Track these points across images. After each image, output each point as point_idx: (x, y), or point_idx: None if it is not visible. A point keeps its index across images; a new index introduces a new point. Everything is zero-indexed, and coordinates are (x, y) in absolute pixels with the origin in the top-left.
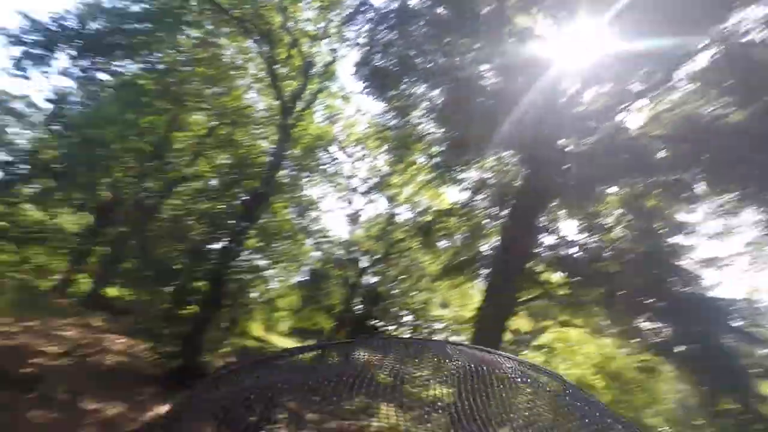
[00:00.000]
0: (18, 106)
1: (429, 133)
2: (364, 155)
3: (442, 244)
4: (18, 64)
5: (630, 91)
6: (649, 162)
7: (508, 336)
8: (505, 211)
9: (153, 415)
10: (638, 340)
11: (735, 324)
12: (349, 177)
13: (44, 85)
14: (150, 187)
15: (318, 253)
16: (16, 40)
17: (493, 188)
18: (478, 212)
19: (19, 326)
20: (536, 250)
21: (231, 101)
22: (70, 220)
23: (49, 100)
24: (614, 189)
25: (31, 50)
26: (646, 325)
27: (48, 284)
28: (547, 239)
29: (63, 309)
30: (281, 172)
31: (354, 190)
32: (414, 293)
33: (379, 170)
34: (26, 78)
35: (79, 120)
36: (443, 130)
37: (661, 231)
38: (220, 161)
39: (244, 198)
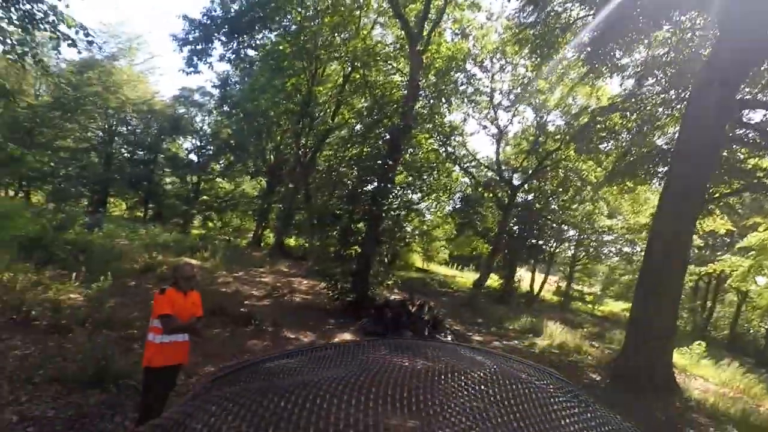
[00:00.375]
0: (197, 97)
1: (577, 19)
2: (503, 65)
3: (605, 146)
4: (189, 61)
5: None
6: None
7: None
8: (686, 93)
9: (337, 341)
10: None
11: None
12: (491, 92)
13: (210, 74)
14: (305, 143)
15: (467, 179)
16: (183, 42)
17: (668, 67)
18: (648, 101)
19: (231, 276)
20: (735, 132)
21: (360, 43)
22: (250, 186)
23: (215, 86)
24: None
25: (194, 47)
26: None
27: (244, 241)
28: (754, 116)
29: (257, 260)
30: (419, 103)
31: (497, 105)
32: (575, 206)
33: (523, 78)
34: (197, 72)
35: (239, 97)
36: (594, 9)
37: None
38: (360, 105)
39: (386, 137)
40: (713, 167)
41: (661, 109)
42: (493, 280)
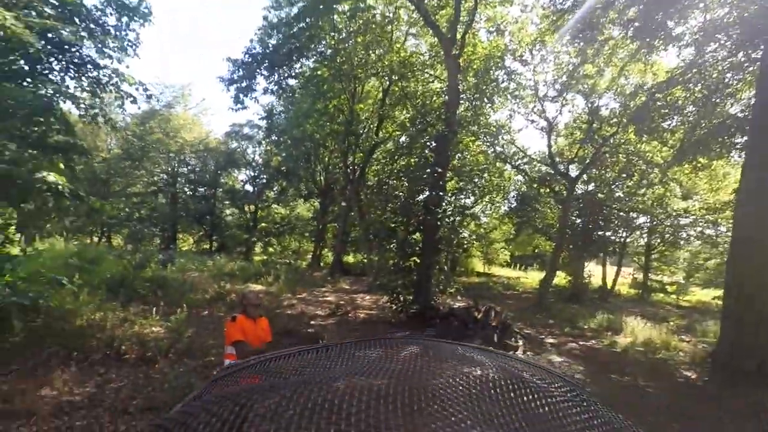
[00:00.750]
0: (246, 131)
1: None
2: (543, 56)
3: (668, 124)
4: (236, 99)
5: None
6: None
7: None
8: (758, 52)
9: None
10: None
11: None
12: (534, 85)
13: (256, 107)
14: (352, 161)
15: (521, 176)
16: (229, 82)
17: (731, 28)
18: (713, 68)
19: (295, 298)
20: None
21: (395, 56)
22: (304, 208)
23: (262, 118)
24: None
25: (240, 84)
26: None
27: (304, 263)
28: None
29: (319, 280)
30: (461, 107)
31: (543, 97)
32: (643, 191)
33: (567, 65)
34: (244, 107)
35: (285, 125)
36: None
37: None
38: (402, 117)
39: (432, 145)
40: None
41: (729, 75)
42: (560, 278)
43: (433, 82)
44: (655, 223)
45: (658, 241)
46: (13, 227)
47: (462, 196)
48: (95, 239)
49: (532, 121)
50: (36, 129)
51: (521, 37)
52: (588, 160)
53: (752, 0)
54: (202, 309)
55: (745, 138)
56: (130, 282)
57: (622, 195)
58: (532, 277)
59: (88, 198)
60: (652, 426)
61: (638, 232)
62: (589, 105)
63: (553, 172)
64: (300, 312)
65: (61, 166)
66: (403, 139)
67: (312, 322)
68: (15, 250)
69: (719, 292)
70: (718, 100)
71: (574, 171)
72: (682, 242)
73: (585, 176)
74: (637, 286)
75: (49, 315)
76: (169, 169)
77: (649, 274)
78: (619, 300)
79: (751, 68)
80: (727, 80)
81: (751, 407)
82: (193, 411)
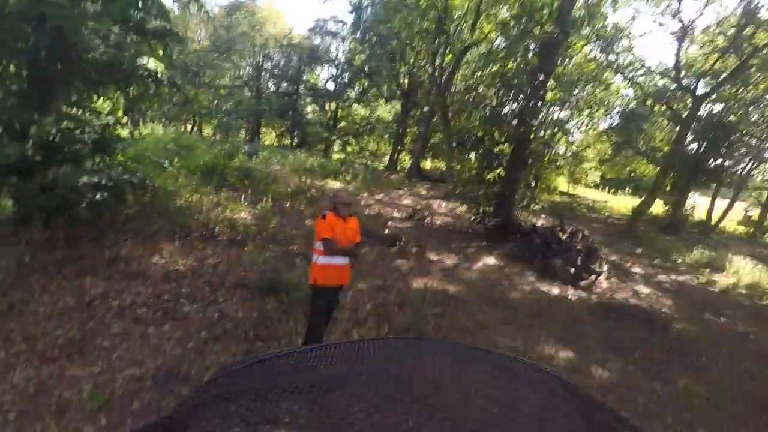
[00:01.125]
0: (331, 26)
1: None
2: None
3: None
4: None
5: None
6: None
7: None
8: None
9: (481, 265)
10: None
11: None
12: None
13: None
14: (441, 63)
15: (631, 90)
16: None
17: None
18: None
19: (372, 199)
20: None
21: None
22: (385, 110)
23: (349, 11)
24: None
25: None
26: None
27: (381, 165)
28: None
29: (395, 182)
30: (577, 4)
31: None
32: None
33: None
34: None
35: (372, 20)
36: None
37: None
38: (503, 15)
39: (536, 48)
40: None
41: None
42: (656, 206)
43: None
44: None
45: None
46: (121, 111)
47: (559, 109)
48: (188, 128)
49: (661, 24)
50: (135, 13)
51: None
52: (725, 75)
53: None
54: (284, 201)
55: None
56: (221, 170)
57: (759, 119)
58: (623, 203)
59: (184, 86)
60: (749, 372)
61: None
62: (745, 4)
63: (675, 86)
64: (377, 213)
65: (160, 52)
66: (499, 40)
67: (389, 223)
68: (124, 133)
69: None
70: None
71: (702, 88)
72: None
73: (715, 95)
74: (750, 224)
75: (154, 194)
76: (254, 63)
77: (763, 211)
78: (725, 237)
79: None
80: None
81: None
82: (192, 410)
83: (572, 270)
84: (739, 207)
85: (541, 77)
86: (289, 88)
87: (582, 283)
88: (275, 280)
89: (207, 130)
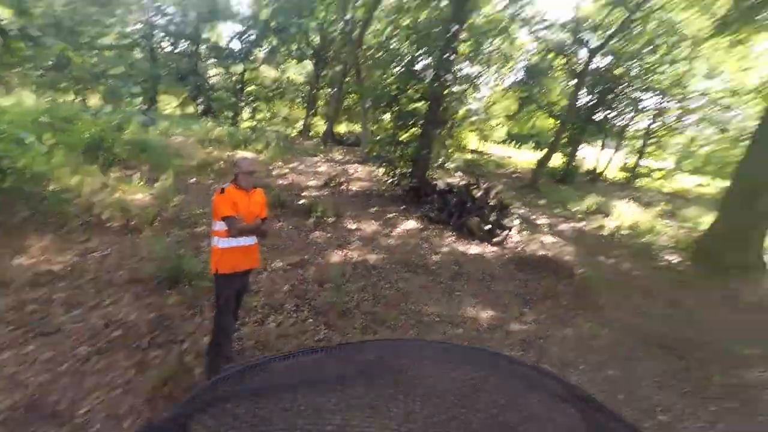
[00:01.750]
0: None
1: None
2: None
3: None
4: None
5: None
6: None
7: None
8: None
9: (401, 230)
10: None
11: None
12: None
13: None
14: (352, 17)
15: (534, 44)
16: None
17: None
18: None
19: (287, 167)
20: None
21: None
22: (296, 71)
23: None
24: None
25: None
26: None
27: (294, 131)
28: None
29: (310, 149)
30: None
31: None
32: (665, 66)
33: None
34: None
35: None
36: None
37: None
38: None
39: None
40: None
41: None
42: (556, 159)
43: None
44: (664, 104)
45: (661, 125)
46: None
47: (468, 64)
48: (71, 98)
49: None
50: None
51: None
52: (614, 28)
53: None
54: (189, 176)
55: None
56: (109, 145)
57: (639, 71)
58: (526, 157)
59: (49, 40)
60: (638, 306)
61: (642, 115)
62: None
63: (572, 40)
64: (291, 182)
65: None
66: None
67: (304, 193)
68: None
69: (705, 180)
70: None
71: (596, 41)
72: (686, 127)
73: (605, 48)
74: (627, 170)
75: (19, 178)
76: (145, 18)
77: (641, 160)
78: (609, 184)
79: None
80: None
81: (725, 295)
82: (191, 413)
83: (487, 227)
84: (620, 155)
85: (455, 28)
86: (188, 47)
87: (496, 239)
88: (176, 269)
89: (94, 101)
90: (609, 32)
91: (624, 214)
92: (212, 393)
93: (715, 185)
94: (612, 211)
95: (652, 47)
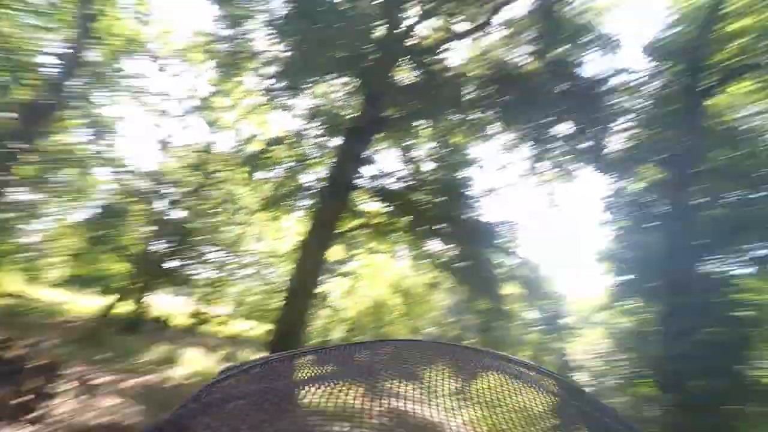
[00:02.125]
0: None
1: (264, 51)
2: (182, 70)
3: (264, 175)
4: None
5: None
6: (461, 99)
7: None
8: (335, 141)
9: None
10: (429, 260)
11: (496, 241)
12: (163, 95)
13: None
14: None
15: (112, 185)
16: None
17: (325, 116)
18: (306, 141)
19: None
20: (359, 181)
21: None
22: None
23: None
24: (430, 122)
25: None
26: (437, 247)
27: None
28: (369, 170)
29: None
30: (73, 80)
31: (167, 111)
32: (227, 228)
33: (200, 90)
34: None
35: None
36: (281, 48)
37: (456, 163)
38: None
39: (17, 108)
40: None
41: (314, 150)
42: (125, 306)
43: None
44: (226, 258)
45: (224, 275)
46: None
47: (26, 189)
48: None
49: (148, 130)
50: None
51: (166, 41)
52: (191, 188)
53: (341, 99)
54: None
55: (311, 202)
56: None
57: (208, 228)
58: (88, 303)
59: None
60: None
61: (208, 266)
62: (208, 136)
63: (153, 190)
64: None
65: None
66: None
67: None
68: None
69: (259, 324)
70: (301, 169)
71: (175, 195)
72: (243, 279)
73: (183, 203)
74: (194, 316)
75: None
76: None
77: (206, 307)
78: (178, 331)
79: (328, 151)
80: (310, 154)
81: None
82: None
83: (19, 401)
84: (189, 302)
85: (11, 145)
86: None
87: (33, 415)
88: None
89: None
90: (186, 190)
91: (191, 362)
92: (212, 394)
93: (260, 329)
94: (179, 359)
95: (219, 210)
